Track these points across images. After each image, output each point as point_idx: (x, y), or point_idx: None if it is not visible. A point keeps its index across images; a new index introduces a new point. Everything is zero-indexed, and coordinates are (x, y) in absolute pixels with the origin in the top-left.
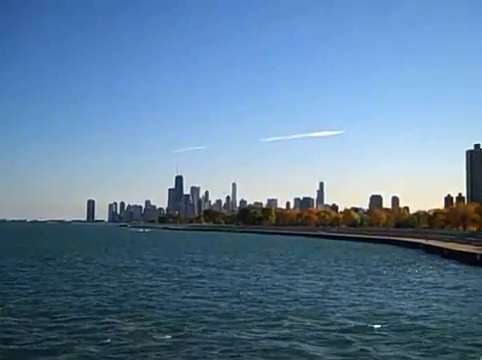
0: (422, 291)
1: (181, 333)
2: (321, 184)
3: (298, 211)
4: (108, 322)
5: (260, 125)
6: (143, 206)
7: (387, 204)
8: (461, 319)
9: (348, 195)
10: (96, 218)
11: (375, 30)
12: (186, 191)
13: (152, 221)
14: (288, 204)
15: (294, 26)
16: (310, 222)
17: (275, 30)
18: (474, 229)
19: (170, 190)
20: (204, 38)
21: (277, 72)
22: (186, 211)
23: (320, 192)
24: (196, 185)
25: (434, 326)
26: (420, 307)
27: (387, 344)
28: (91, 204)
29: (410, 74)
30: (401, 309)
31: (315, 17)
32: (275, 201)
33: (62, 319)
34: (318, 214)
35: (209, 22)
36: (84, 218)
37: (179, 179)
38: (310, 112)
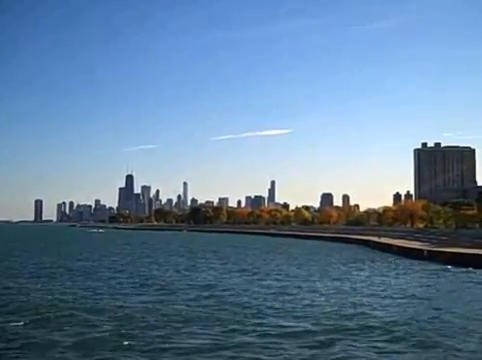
0: (373, 287)
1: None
2: (272, 182)
3: (249, 210)
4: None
5: (210, 124)
6: (93, 205)
7: (338, 202)
8: (406, 312)
9: (299, 193)
10: (44, 218)
11: (323, 30)
12: (137, 190)
13: (102, 221)
14: (239, 203)
15: (242, 26)
16: (261, 220)
17: (223, 29)
18: (421, 226)
19: (120, 189)
20: (154, 36)
21: (226, 70)
22: (137, 210)
23: (271, 190)
24: (147, 184)
25: (379, 318)
26: (373, 302)
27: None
28: (39, 204)
29: (358, 73)
30: (354, 304)
31: (262, 17)
32: (226, 200)
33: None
34: (269, 212)
35: (156, 19)
36: (32, 218)
37: (130, 178)
38: (260, 110)
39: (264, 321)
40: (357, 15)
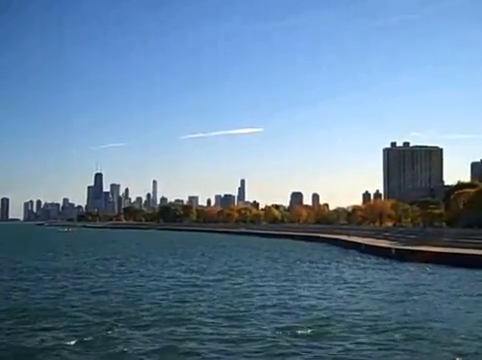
0: (343, 285)
1: None
2: (242, 181)
3: (219, 208)
4: None
5: (180, 122)
6: (61, 204)
7: (307, 201)
8: (372, 309)
9: (269, 192)
10: (11, 217)
11: (296, 26)
12: (106, 188)
13: (71, 219)
14: (209, 201)
15: (213, 25)
16: (231, 219)
17: (195, 29)
18: (390, 224)
19: (89, 187)
20: (124, 37)
21: (197, 69)
22: (106, 209)
23: (241, 189)
24: (116, 182)
25: (347, 316)
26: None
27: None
28: (5, 202)
29: (329, 72)
30: (318, 300)
31: (232, 15)
32: (196, 198)
33: None
34: (239, 211)
35: (133, 21)
36: None
37: (98, 176)
38: (230, 109)
39: (227, 324)
40: (345, 12)
